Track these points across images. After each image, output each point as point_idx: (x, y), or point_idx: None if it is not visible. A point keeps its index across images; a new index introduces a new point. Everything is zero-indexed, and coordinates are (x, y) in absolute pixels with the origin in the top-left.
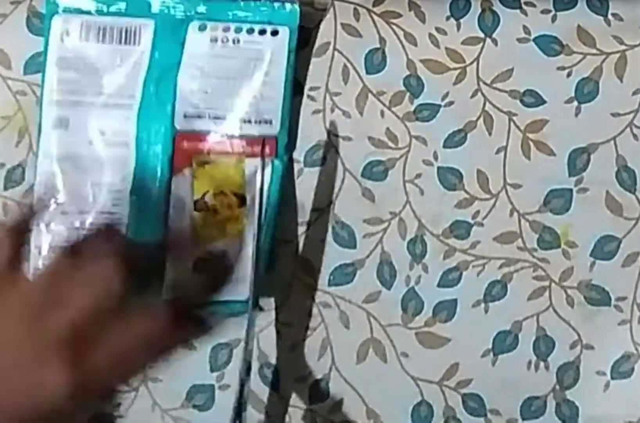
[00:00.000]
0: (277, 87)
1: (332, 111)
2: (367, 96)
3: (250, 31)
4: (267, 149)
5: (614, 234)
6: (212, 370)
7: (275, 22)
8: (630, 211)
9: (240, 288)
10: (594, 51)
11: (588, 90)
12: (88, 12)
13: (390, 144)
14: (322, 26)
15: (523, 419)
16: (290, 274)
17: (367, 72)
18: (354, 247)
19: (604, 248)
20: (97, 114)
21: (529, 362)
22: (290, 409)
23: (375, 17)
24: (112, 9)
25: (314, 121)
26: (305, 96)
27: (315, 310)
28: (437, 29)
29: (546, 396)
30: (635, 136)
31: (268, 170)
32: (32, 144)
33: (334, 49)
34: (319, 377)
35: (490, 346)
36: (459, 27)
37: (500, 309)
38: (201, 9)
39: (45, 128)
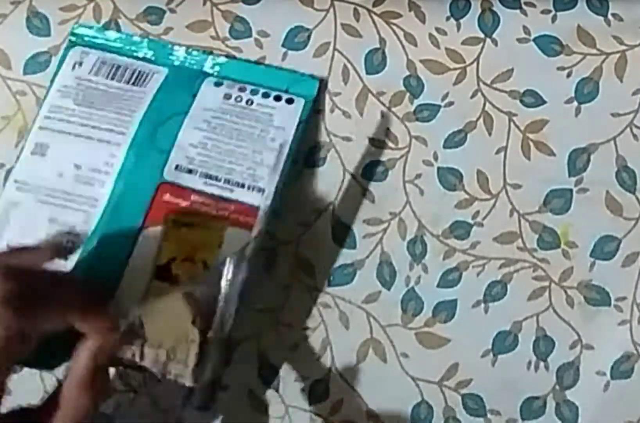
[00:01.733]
0: (279, 156)
1: (332, 111)
2: (367, 96)
3: (265, 95)
4: (255, 222)
5: (614, 234)
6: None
7: (292, 92)
8: (630, 211)
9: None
10: (594, 51)
11: (588, 90)
12: (111, 51)
13: (390, 144)
14: (322, 26)
15: (523, 419)
16: (290, 274)
17: (367, 72)
18: (354, 247)
19: (604, 248)
20: (79, 147)
21: (529, 362)
22: (290, 409)
23: (375, 17)
24: (138, 54)
25: (314, 121)
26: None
27: (315, 310)
28: (437, 29)
29: (546, 396)
30: (635, 136)
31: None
32: None
33: (334, 49)
34: (319, 377)
35: (490, 346)
36: (459, 28)
37: (500, 309)
38: (221, 66)
39: (24, 152)
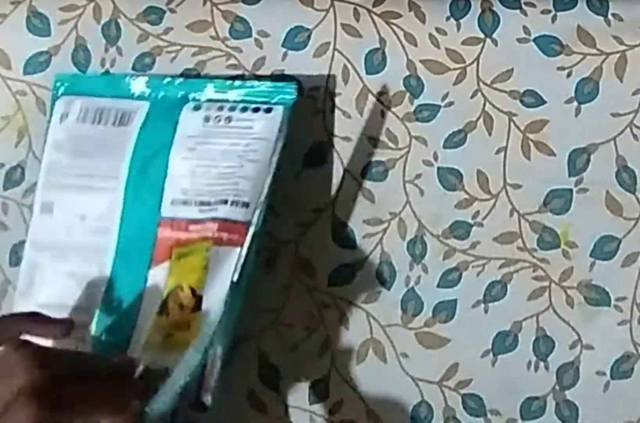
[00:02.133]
0: (262, 167)
1: (332, 111)
2: (367, 96)
3: (244, 109)
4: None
5: (614, 234)
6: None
7: (271, 102)
8: (630, 211)
9: None
10: (594, 51)
11: (588, 90)
12: (94, 94)
13: (390, 144)
14: (322, 26)
15: (523, 419)
16: (290, 274)
17: (367, 72)
18: (354, 247)
19: (604, 248)
20: (81, 198)
21: (529, 362)
22: (290, 409)
23: (375, 17)
24: (121, 92)
25: (314, 121)
26: (305, 96)
27: (315, 310)
28: (437, 29)
29: (546, 396)
30: (635, 136)
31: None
32: (32, 144)
33: (334, 49)
34: (319, 377)
35: (490, 346)
36: (459, 28)
37: (500, 309)
38: (199, 89)
39: (34, 213)
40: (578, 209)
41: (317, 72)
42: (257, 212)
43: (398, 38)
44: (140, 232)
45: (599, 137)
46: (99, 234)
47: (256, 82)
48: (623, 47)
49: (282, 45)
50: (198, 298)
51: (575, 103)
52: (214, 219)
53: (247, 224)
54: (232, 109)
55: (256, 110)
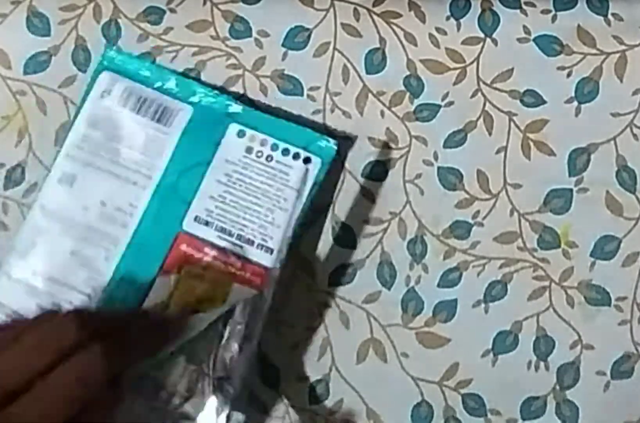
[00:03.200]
0: (289, 217)
1: (332, 111)
2: (367, 96)
3: (285, 152)
4: (260, 281)
5: (614, 234)
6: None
7: (310, 150)
8: (630, 211)
9: None
10: (594, 51)
11: (588, 90)
12: (138, 80)
13: (390, 144)
14: (322, 26)
15: (523, 419)
16: (290, 274)
17: (367, 72)
18: (354, 247)
19: (604, 248)
20: (106, 183)
21: (529, 362)
22: (290, 409)
23: (375, 17)
24: (164, 86)
25: (314, 121)
26: (305, 96)
27: (315, 310)
28: (437, 29)
29: (546, 396)
30: (635, 136)
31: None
32: (32, 144)
33: (334, 49)
34: (319, 377)
35: (490, 346)
36: (459, 27)
37: (500, 309)
38: (243, 113)
39: (50, 180)
40: (578, 209)
41: (317, 72)
42: (280, 260)
43: (398, 38)
44: (157, 237)
45: (599, 137)
46: (116, 224)
47: (299, 127)
48: (623, 47)
49: (282, 45)
50: None
51: (575, 103)
52: (239, 257)
53: (269, 270)
54: (274, 148)
55: (296, 157)
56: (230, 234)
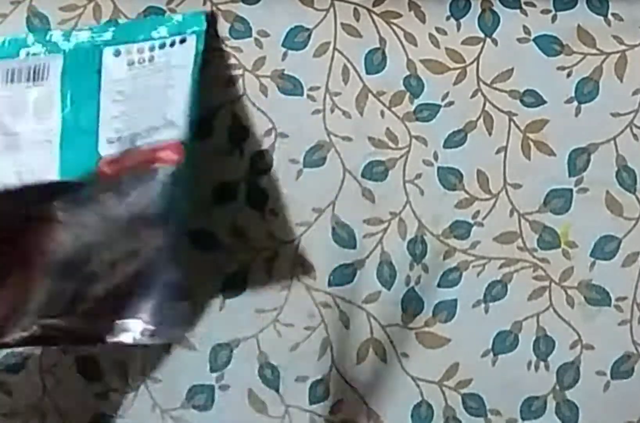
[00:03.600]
0: (183, 89)
1: (332, 111)
2: (367, 96)
3: (162, 46)
4: (174, 155)
5: (614, 234)
6: (212, 370)
7: (183, 32)
8: (630, 211)
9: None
10: (594, 51)
11: (588, 90)
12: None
13: (391, 144)
14: (322, 26)
15: (523, 419)
16: (290, 274)
17: (367, 72)
18: (354, 247)
19: (604, 248)
20: (12, 158)
21: (529, 362)
22: (290, 409)
23: (375, 17)
24: (21, 52)
25: (314, 121)
26: (305, 96)
27: (315, 310)
28: (437, 29)
29: (546, 396)
30: (635, 136)
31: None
32: None
33: (334, 49)
34: (319, 377)
35: (490, 346)
36: (459, 27)
37: (500, 309)
38: (109, 34)
39: None
40: (578, 209)
41: (317, 72)
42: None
43: (398, 38)
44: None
45: (599, 137)
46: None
47: (167, 17)
48: (623, 47)
49: (282, 45)
50: None
51: (575, 103)
52: (148, 144)
53: (181, 141)
54: (151, 48)
55: (172, 44)
56: (141, 136)
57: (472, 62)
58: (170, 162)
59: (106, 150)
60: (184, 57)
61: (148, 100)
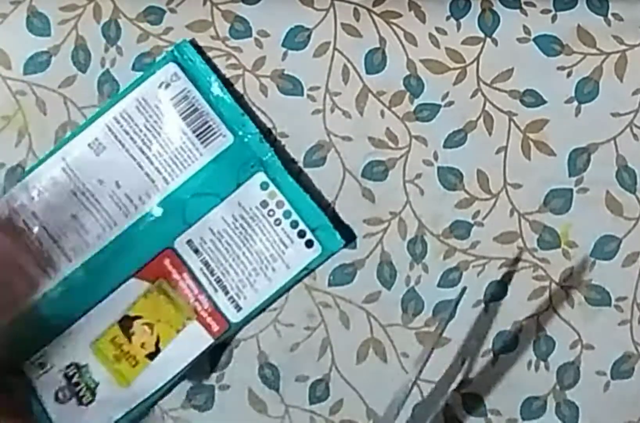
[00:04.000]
0: (271, 284)
1: (332, 111)
2: (367, 96)
3: (294, 224)
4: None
5: (614, 234)
6: (212, 370)
7: (317, 235)
8: (630, 211)
9: None
10: (594, 51)
11: (588, 90)
12: (197, 86)
13: (391, 144)
14: (322, 26)
15: (523, 419)
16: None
17: (367, 72)
18: (354, 247)
19: (604, 248)
20: (128, 169)
21: (529, 362)
22: (290, 409)
23: (375, 17)
24: (219, 103)
25: (314, 121)
26: (305, 96)
27: (315, 310)
28: (437, 29)
29: (546, 396)
30: (635, 136)
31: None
32: (32, 144)
33: (334, 49)
34: (319, 377)
35: (490, 346)
36: (459, 27)
37: (501, 309)
38: (273, 167)
39: (81, 139)
40: (578, 209)
41: (317, 72)
42: (242, 323)
43: (398, 38)
44: (148, 241)
45: (599, 137)
46: (119, 209)
47: (319, 210)
48: (623, 47)
49: (282, 45)
50: (156, 350)
51: (575, 103)
52: (209, 299)
53: (230, 325)
54: (286, 215)
55: (301, 235)
56: (212, 273)
57: (472, 62)
58: (208, 329)
59: (180, 247)
60: (296, 261)
61: (242, 251)
